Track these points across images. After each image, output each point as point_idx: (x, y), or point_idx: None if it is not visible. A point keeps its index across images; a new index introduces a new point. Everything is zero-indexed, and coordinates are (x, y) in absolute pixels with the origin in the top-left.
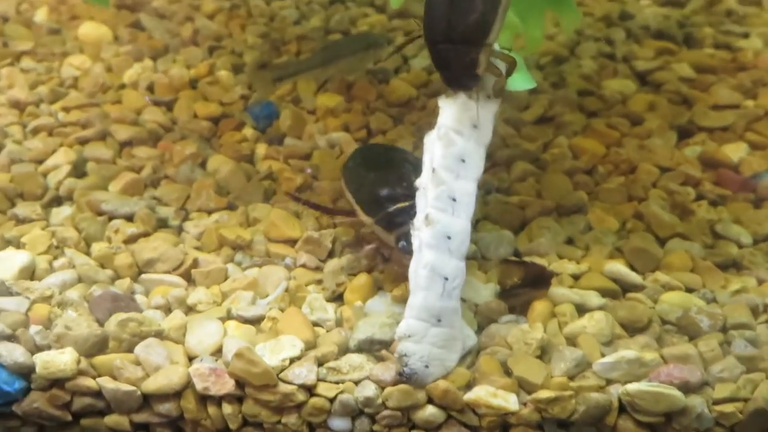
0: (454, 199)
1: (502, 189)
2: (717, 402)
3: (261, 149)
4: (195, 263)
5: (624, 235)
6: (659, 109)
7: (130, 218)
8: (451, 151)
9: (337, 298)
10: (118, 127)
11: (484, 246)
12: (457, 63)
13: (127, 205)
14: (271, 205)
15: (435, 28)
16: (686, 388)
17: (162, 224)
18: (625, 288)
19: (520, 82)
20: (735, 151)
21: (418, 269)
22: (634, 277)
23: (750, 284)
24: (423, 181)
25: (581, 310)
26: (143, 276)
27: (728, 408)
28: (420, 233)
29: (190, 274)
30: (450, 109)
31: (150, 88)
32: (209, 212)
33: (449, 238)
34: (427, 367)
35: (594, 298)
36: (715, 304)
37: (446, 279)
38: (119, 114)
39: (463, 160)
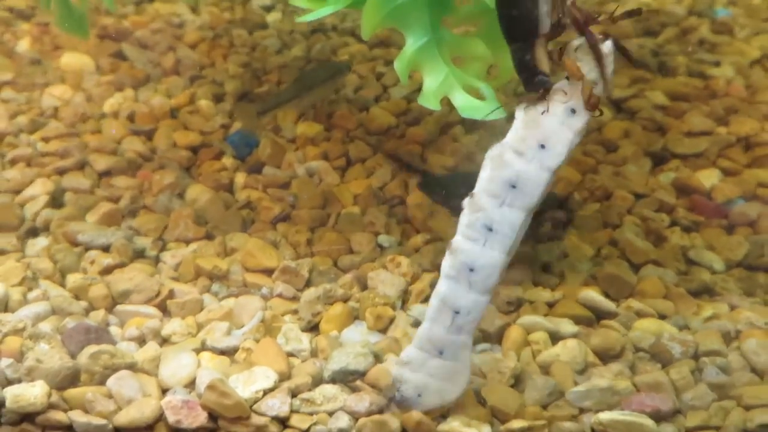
0: (490, 229)
1: None
2: (689, 430)
3: (240, 178)
4: (171, 294)
5: (599, 261)
6: (634, 136)
7: (106, 249)
8: (502, 174)
9: (313, 328)
10: (97, 156)
11: None
12: (519, 63)
13: (104, 235)
14: (249, 234)
15: (502, 26)
16: (658, 417)
17: (139, 255)
18: (599, 315)
19: (489, 111)
20: (708, 178)
21: (432, 297)
22: (608, 305)
23: (722, 310)
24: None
25: (555, 337)
26: (118, 307)
27: None
28: (444, 260)
29: (165, 305)
30: (517, 123)
31: (130, 118)
32: (187, 242)
33: (472, 270)
34: (419, 396)
35: (568, 326)
36: (687, 330)
37: (457, 313)
38: (98, 143)
39: (515, 186)
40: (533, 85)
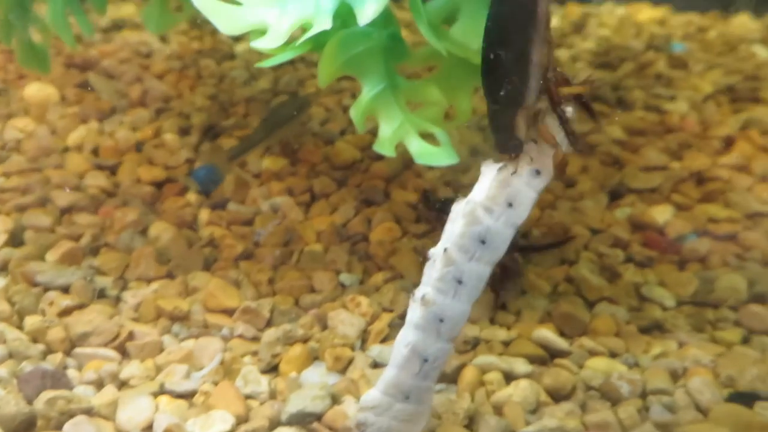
0: (460, 281)
1: None
2: None
3: (204, 215)
4: (130, 336)
5: (555, 298)
6: (592, 171)
7: (66, 289)
8: (473, 230)
9: (273, 369)
10: (58, 192)
11: None
12: (497, 125)
13: (64, 275)
14: (212, 273)
15: (486, 88)
16: None
17: (100, 294)
18: (552, 354)
19: (443, 157)
20: (661, 213)
21: (399, 345)
22: (561, 343)
23: (671, 348)
24: (436, 251)
25: (509, 377)
26: (77, 350)
27: None
28: (412, 309)
29: (125, 347)
30: (486, 181)
31: (95, 152)
32: (148, 281)
33: (442, 321)
34: None
35: (521, 366)
36: (636, 368)
37: (425, 360)
38: (61, 179)
39: (484, 241)
40: (508, 149)
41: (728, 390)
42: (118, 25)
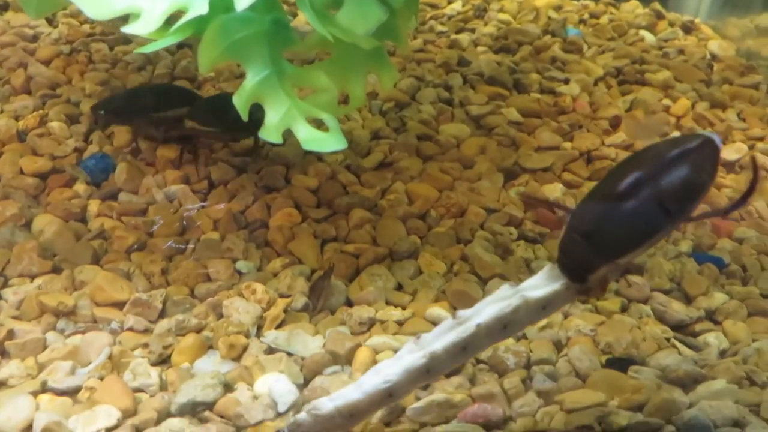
0: (464, 349)
1: (341, 237)
2: None
3: (94, 206)
4: (10, 335)
5: (451, 277)
6: (489, 152)
7: None
8: (506, 315)
9: (165, 360)
10: None
11: (324, 301)
12: (573, 253)
13: None
14: (101, 266)
15: (585, 218)
16: (490, 426)
17: None
18: None
19: (331, 142)
20: (552, 191)
21: (378, 376)
22: None
23: (556, 319)
24: (466, 315)
25: None
26: None
27: None
28: (410, 350)
29: (4, 347)
30: (539, 281)
31: None
32: (32, 277)
33: (428, 372)
34: None
35: None
36: (524, 340)
37: (390, 396)
38: None
39: (505, 327)
40: (573, 277)
41: (606, 356)
42: (0, 7)
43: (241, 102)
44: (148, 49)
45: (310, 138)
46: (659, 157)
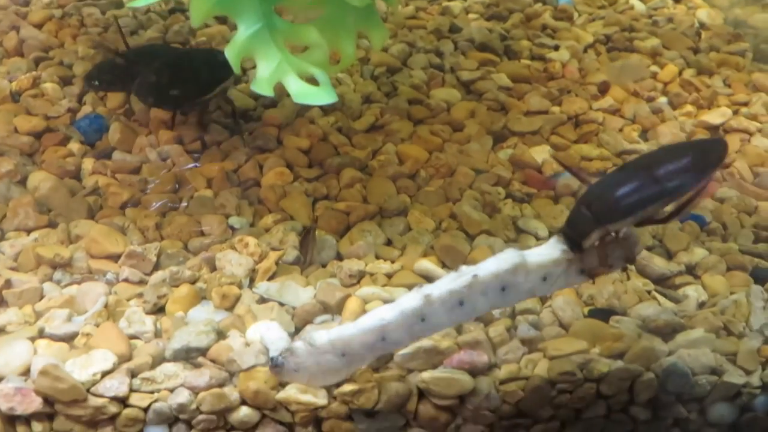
0: (461, 304)
1: (332, 196)
2: (503, 382)
3: (88, 164)
4: (7, 284)
5: (439, 233)
6: (479, 116)
7: None
8: (505, 278)
9: (159, 310)
10: None
11: (312, 254)
12: (576, 223)
13: None
14: (96, 221)
15: (590, 190)
16: (475, 372)
17: None
18: (432, 282)
19: (322, 96)
20: (540, 153)
21: (375, 314)
22: (440, 273)
23: None
24: (467, 270)
25: None
26: None
27: (511, 387)
28: (409, 296)
29: (1, 296)
30: (545, 250)
31: None
32: (28, 231)
33: (423, 321)
34: (296, 371)
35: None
36: None
37: (383, 340)
38: None
39: (504, 290)
40: (571, 243)
41: (588, 307)
42: None
43: (232, 55)
44: (139, 3)
45: (301, 91)
46: (671, 146)
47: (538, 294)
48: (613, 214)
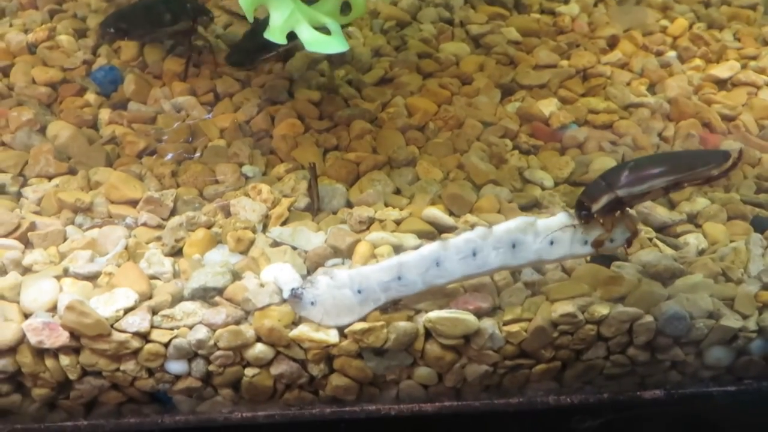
0: (474, 255)
1: (342, 147)
2: (506, 323)
3: (104, 114)
4: (32, 226)
5: (447, 183)
6: (488, 69)
7: None
8: (517, 235)
9: (177, 252)
10: None
11: (319, 199)
12: (591, 190)
13: None
14: (114, 168)
15: (609, 169)
16: (480, 313)
17: None
18: (439, 229)
19: (333, 45)
20: (547, 106)
21: (395, 257)
22: (447, 220)
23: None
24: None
25: (399, 250)
26: None
27: (514, 328)
28: (431, 244)
29: (27, 238)
30: (556, 219)
31: None
32: (49, 177)
33: (437, 265)
34: (312, 304)
35: (410, 240)
36: None
37: (399, 279)
38: None
39: (514, 246)
40: (581, 211)
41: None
42: None
43: (246, 4)
44: None
45: (313, 40)
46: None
47: (545, 257)
48: (624, 180)
